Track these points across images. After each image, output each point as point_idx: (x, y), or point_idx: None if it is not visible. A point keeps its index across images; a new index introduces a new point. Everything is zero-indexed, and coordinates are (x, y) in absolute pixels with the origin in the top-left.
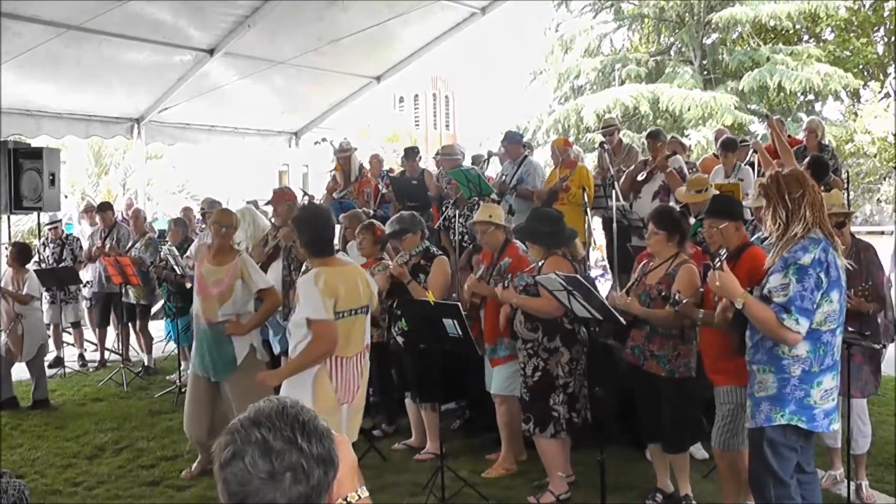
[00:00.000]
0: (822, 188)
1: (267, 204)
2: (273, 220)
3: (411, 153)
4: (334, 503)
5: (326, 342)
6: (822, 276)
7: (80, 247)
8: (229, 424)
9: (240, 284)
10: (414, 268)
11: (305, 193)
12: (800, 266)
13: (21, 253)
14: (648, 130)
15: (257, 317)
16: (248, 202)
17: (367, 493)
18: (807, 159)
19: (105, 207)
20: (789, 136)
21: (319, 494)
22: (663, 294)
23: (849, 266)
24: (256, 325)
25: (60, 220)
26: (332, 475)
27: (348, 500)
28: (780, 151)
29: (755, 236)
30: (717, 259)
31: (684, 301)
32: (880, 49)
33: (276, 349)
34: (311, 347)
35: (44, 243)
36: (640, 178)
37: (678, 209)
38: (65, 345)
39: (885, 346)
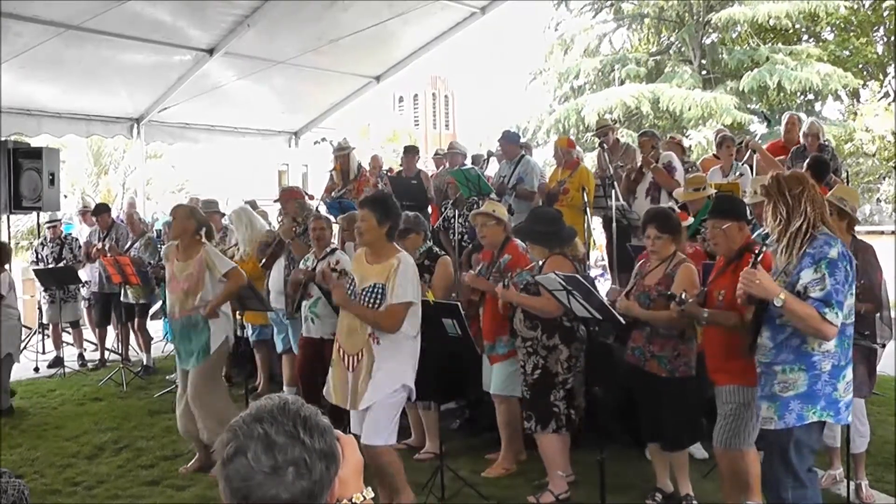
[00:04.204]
0: (824, 187)
1: (277, 200)
2: (280, 218)
3: (411, 150)
4: (340, 503)
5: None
6: (849, 268)
7: (79, 246)
8: (231, 422)
9: (208, 275)
10: (419, 268)
11: (305, 193)
12: (830, 260)
13: (1, 254)
14: (642, 131)
15: (222, 294)
16: (247, 202)
17: (372, 494)
18: (807, 160)
19: (101, 210)
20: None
21: (322, 489)
22: (667, 294)
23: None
24: (220, 302)
25: (59, 220)
26: (333, 470)
27: (353, 500)
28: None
29: (755, 233)
30: (757, 254)
31: (689, 300)
32: (880, 48)
33: (280, 347)
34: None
35: (42, 243)
36: (631, 177)
37: (676, 208)
38: (64, 344)
39: (883, 346)
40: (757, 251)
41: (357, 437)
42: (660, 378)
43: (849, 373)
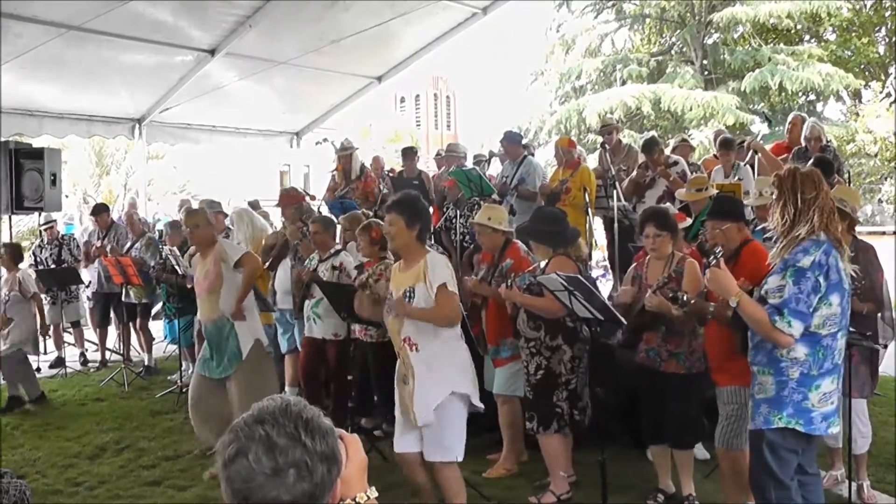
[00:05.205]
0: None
1: (277, 205)
2: (282, 220)
3: (409, 152)
4: (343, 503)
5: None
6: (821, 279)
7: (78, 246)
8: (233, 423)
9: (224, 267)
10: None
11: (307, 193)
12: (798, 268)
13: (15, 253)
14: (643, 142)
15: (242, 285)
16: (248, 203)
17: (375, 494)
18: (811, 160)
19: (100, 210)
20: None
21: (323, 491)
22: (671, 295)
23: (853, 273)
24: (243, 295)
25: (55, 221)
26: (335, 472)
27: (357, 500)
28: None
29: (757, 229)
30: (714, 257)
31: (692, 301)
32: (881, 49)
33: (284, 347)
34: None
35: (40, 245)
36: (643, 182)
37: (675, 209)
38: (66, 345)
39: (885, 347)
40: (712, 257)
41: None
42: (674, 376)
43: (826, 384)
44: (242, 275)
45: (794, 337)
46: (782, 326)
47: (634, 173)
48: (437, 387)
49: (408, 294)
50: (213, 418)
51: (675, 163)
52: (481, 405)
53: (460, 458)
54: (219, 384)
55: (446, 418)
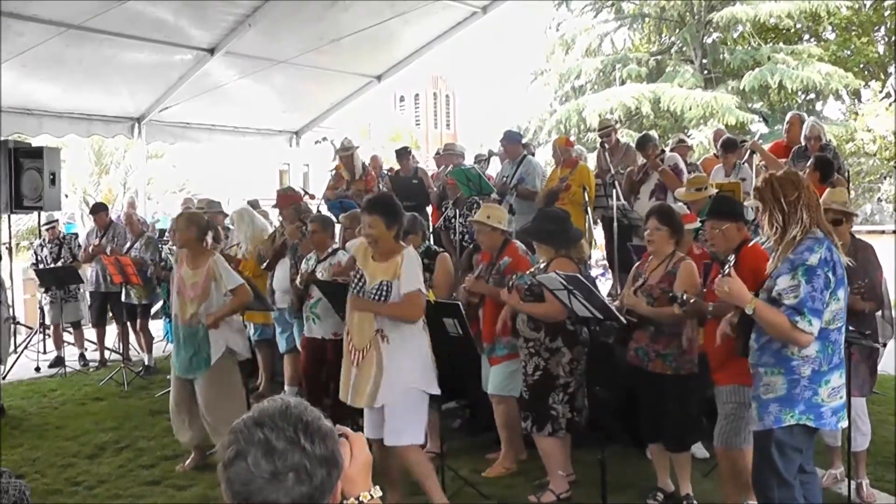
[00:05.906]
0: (828, 187)
1: (275, 206)
2: (280, 220)
3: (403, 152)
4: (347, 502)
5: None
6: (830, 275)
7: (79, 245)
8: (233, 424)
9: (214, 286)
10: None
11: (306, 192)
12: (808, 267)
13: None
14: (637, 139)
15: (226, 308)
16: (248, 202)
17: (380, 493)
18: (811, 160)
19: (98, 209)
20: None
21: (322, 494)
22: (670, 295)
23: (849, 263)
24: (224, 315)
25: (57, 220)
26: (335, 475)
27: (360, 499)
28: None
29: (756, 239)
30: (727, 265)
31: (691, 301)
32: (881, 48)
33: (282, 347)
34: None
35: (41, 244)
36: (636, 177)
37: (687, 208)
38: (65, 344)
39: (884, 345)
40: (726, 266)
41: (373, 440)
42: (664, 377)
43: (834, 379)
44: (230, 301)
45: (813, 335)
46: (804, 326)
47: (631, 169)
48: (404, 375)
49: (385, 287)
50: (188, 419)
51: (662, 151)
52: (437, 391)
53: (420, 441)
54: (191, 383)
55: (407, 406)
